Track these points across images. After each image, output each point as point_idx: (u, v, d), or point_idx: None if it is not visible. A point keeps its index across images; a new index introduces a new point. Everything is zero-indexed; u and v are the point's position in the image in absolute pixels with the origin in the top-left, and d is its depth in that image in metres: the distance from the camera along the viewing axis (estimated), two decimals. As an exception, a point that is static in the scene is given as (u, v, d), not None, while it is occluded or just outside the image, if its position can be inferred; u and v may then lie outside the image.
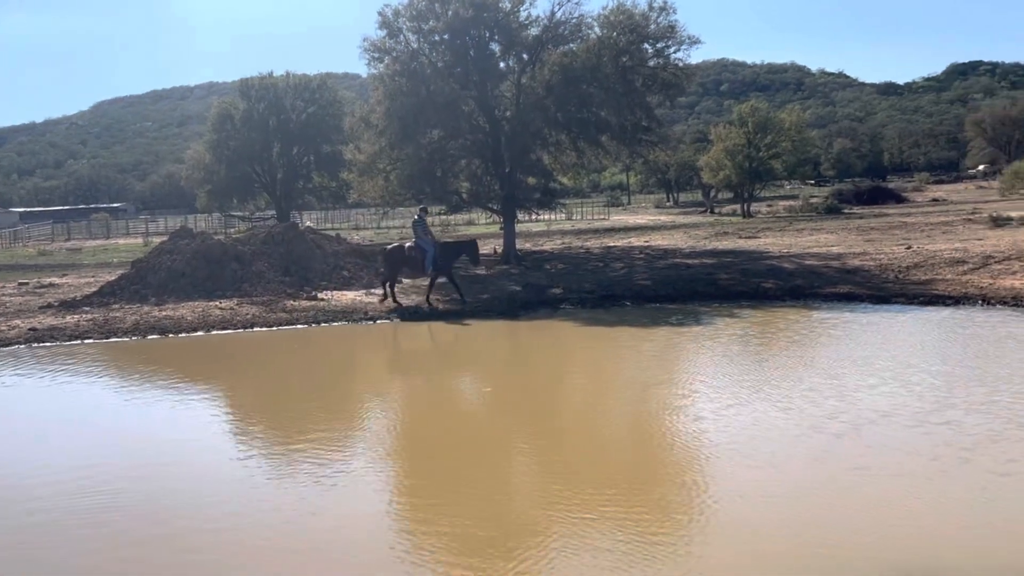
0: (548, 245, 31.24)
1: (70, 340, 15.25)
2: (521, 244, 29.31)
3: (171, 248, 21.08)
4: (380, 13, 24.78)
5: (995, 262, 18.24)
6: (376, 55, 25.17)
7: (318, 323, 16.65)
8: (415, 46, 24.82)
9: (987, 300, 15.29)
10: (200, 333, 15.87)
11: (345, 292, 19.64)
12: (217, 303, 18.18)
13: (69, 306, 18.44)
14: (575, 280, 20.86)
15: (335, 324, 16.65)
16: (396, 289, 18.52)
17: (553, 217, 46.61)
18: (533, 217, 34.36)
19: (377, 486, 7.66)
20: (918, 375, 10.48)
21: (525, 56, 25.66)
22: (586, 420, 9.93)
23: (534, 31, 25.23)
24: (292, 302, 18.28)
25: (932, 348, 12.37)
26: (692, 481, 7.36)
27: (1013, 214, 29.33)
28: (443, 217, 33.46)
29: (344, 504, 7.16)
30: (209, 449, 8.90)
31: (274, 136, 40.67)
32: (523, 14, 24.99)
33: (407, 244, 18.81)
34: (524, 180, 26.79)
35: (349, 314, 17.21)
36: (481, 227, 44.79)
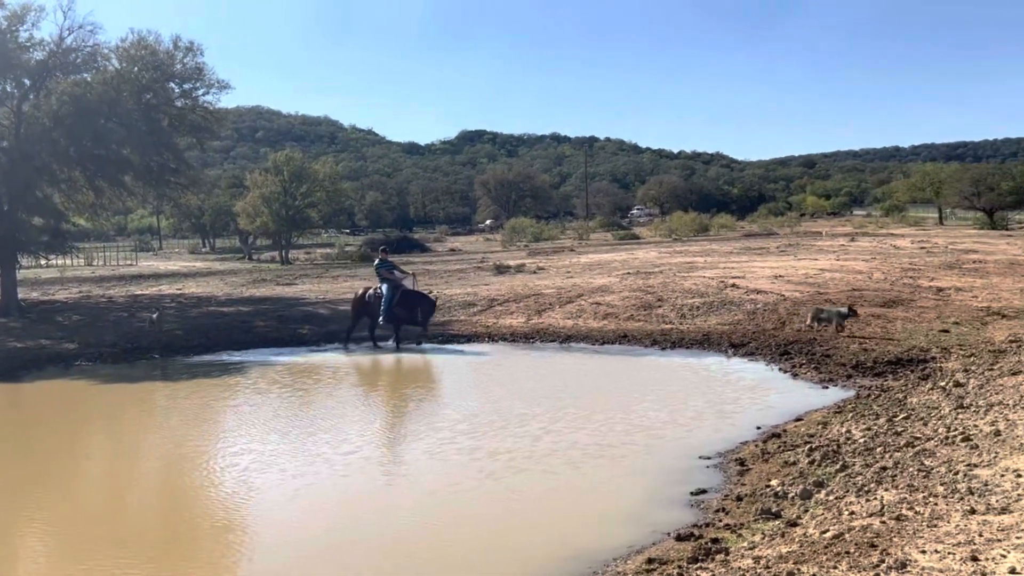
0: (62, 294, 27.62)
1: None
2: (27, 293, 25.46)
3: None
4: None
5: (497, 304, 21.08)
6: None
7: None
8: None
9: (492, 337, 17.65)
10: None
11: None
12: None
13: None
14: (95, 333, 18.79)
15: None
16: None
17: (69, 262, 41.50)
18: (43, 262, 30.10)
19: None
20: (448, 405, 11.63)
21: (27, 81, 22.60)
22: (110, 493, 8.98)
23: (38, 55, 22.36)
24: None
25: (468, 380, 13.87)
26: (239, 541, 7.13)
27: (511, 262, 34.25)
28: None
29: None
30: None
31: None
32: (23, 35, 21.97)
33: (369, 290, 17.29)
34: (28, 220, 23.38)
35: None
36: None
